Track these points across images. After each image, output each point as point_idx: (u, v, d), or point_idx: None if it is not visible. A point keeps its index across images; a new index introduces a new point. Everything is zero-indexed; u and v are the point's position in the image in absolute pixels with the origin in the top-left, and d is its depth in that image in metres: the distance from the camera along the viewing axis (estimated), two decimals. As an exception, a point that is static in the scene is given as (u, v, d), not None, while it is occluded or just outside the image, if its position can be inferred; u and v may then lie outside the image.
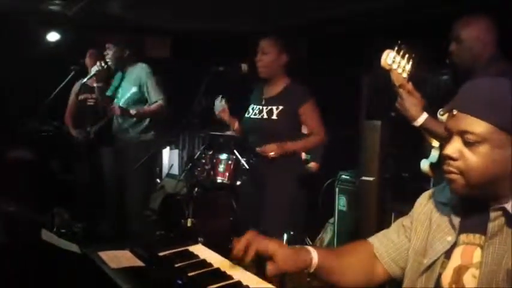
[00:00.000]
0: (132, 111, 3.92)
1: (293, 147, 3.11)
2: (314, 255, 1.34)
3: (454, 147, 1.22)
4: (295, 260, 1.30)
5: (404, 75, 2.01)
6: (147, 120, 4.02)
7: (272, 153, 3.04)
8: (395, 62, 1.97)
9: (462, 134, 1.20)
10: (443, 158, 1.25)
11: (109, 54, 4.05)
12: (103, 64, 4.07)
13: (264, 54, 3.13)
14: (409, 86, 2.06)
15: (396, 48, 1.96)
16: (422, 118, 2.11)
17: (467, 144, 1.20)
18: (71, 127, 4.71)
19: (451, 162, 1.22)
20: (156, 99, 3.97)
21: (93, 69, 4.13)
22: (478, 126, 1.18)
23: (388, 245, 1.44)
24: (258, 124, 3.17)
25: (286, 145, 3.08)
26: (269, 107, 3.14)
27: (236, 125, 3.36)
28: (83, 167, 4.75)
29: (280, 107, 3.10)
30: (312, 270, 1.34)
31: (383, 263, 1.43)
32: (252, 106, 3.27)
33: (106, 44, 4.12)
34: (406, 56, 1.98)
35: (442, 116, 2.39)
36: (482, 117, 1.18)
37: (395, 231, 1.46)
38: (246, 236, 1.26)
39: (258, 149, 3.08)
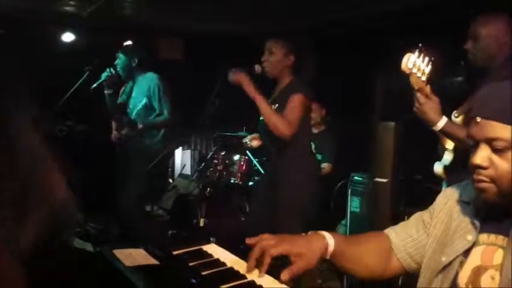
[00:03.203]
0: (139, 125, 4.01)
1: (255, 97, 2.92)
2: (330, 241, 1.33)
3: (483, 155, 1.19)
4: (310, 253, 1.28)
5: (423, 78, 1.98)
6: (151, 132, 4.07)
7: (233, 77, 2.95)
8: (415, 66, 1.94)
9: (490, 141, 1.18)
10: (471, 168, 1.22)
11: (119, 62, 4.08)
12: (112, 71, 4.11)
13: (270, 55, 3.12)
14: (428, 89, 2.03)
15: (417, 51, 1.93)
16: (442, 122, 2.09)
17: (496, 151, 1.17)
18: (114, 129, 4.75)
19: (482, 171, 1.19)
20: (162, 111, 4.02)
21: (102, 75, 4.17)
22: (506, 132, 1.15)
23: (406, 240, 1.42)
24: (261, 126, 3.18)
25: (251, 88, 2.93)
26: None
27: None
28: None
29: (277, 105, 3.07)
30: (328, 256, 1.33)
31: (399, 257, 1.42)
32: None
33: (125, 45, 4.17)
34: (426, 59, 1.95)
35: (457, 118, 2.37)
36: (510, 123, 1.15)
37: (414, 226, 1.44)
38: (258, 244, 1.26)
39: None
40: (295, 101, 2.97)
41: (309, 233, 1.36)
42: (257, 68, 3.17)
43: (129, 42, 4.26)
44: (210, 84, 3.44)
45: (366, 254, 1.41)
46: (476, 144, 1.21)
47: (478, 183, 1.21)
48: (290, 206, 3.04)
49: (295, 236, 1.34)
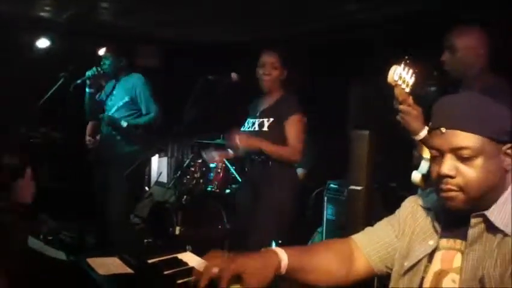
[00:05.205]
0: (124, 123, 3.94)
1: (262, 146, 3.03)
2: (283, 256, 1.30)
3: (450, 164, 1.22)
4: (263, 271, 1.24)
5: (407, 90, 2.02)
6: (133, 132, 4.02)
7: (238, 142, 2.99)
8: (401, 78, 1.96)
9: (456, 150, 1.21)
10: (438, 178, 1.25)
11: (106, 63, 4.06)
12: (99, 70, 4.07)
13: (273, 69, 3.15)
14: (410, 100, 2.07)
15: (403, 64, 1.95)
16: (424, 132, 2.14)
17: (463, 159, 1.21)
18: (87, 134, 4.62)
19: (449, 180, 1.22)
20: (150, 110, 4.03)
21: (87, 73, 4.09)
22: (472, 140, 1.19)
23: (378, 244, 1.44)
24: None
25: (256, 141, 3.04)
26: (261, 119, 3.16)
27: (230, 154, 3.39)
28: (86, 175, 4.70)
29: (271, 119, 3.11)
30: (283, 272, 1.29)
31: (370, 260, 1.43)
32: (248, 120, 3.29)
33: (103, 51, 4.14)
34: (410, 71, 1.98)
35: None
36: (475, 132, 1.19)
37: (384, 231, 1.46)
38: (208, 271, 1.18)
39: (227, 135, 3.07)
40: (295, 123, 3.07)
41: (262, 250, 1.33)
42: (233, 75, 3.19)
43: (104, 49, 4.23)
44: (187, 92, 3.44)
45: (325, 262, 1.40)
46: (441, 155, 1.24)
47: (446, 193, 1.23)
48: (273, 215, 3.05)
49: (247, 255, 1.28)
